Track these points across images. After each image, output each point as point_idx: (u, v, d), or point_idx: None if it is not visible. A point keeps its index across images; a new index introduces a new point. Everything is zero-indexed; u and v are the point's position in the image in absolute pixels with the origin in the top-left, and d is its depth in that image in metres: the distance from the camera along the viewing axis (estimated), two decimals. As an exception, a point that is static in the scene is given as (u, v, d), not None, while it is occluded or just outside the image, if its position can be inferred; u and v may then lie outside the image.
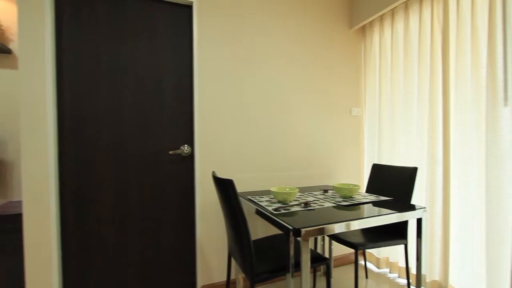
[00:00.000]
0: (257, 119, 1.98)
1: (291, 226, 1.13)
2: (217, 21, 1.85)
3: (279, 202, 1.52)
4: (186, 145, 1.78)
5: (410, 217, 1.38)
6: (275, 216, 1.26)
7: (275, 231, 2.05)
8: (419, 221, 1.44)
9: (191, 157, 1.81)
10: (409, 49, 1.94)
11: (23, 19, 1.46)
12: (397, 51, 2.04)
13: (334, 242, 2.27)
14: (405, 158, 2.00)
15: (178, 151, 1.73)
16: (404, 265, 1.99)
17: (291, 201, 1.51)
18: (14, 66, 2.21)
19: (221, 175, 1.87)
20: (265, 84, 2.01)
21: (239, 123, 1.92)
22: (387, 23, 2.12)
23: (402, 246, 1.97)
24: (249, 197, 1.67)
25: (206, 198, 1.82)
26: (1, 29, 2.15)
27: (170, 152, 1.71)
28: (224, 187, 1.26)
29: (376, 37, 2.24)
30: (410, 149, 1.96)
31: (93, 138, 1.60)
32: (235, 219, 1.28)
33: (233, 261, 1.89)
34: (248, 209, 1.66)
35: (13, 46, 2.20)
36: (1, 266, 1.83)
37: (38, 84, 1.48)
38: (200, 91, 1.80)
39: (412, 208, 1.41)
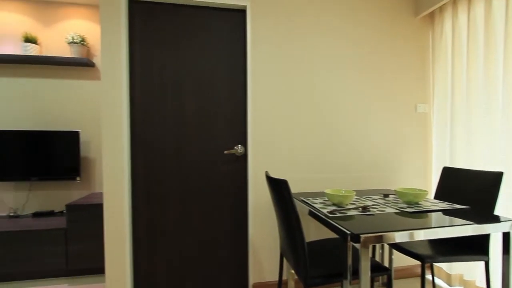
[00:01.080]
0: (311, 119, 1.93)
1: (348, 230, 1.07)
2: (270, 23, 1.86)
3: (334, 204, 1.46)
4: (240, 145, 1.83)
5: (492, 230, 1.18)
6: (330, 219, 1.21)
7: (328, 234, 1.97)
8: (506, 235, 1.22)
9: (244, 157, 1.86)
10: (492, 37, 1.66)
11: (105, 38, 1.69)
12: (476, 40, 1.76)
13: (395, 252, 2.08)
14: (485, 162, 1.72)
15: (233, 151, 1.80)
16: (484, 285, 1.72)
17: (347, 205, 1.44)
18: (96, 77, 2.58)
19: (273, 175, 1.88)
20: (319, 82, 1.95)
21: (292, 123, 1.90)
22: (462, 7, 1.86)
23: (482, 263, 1.70)
24: (302, 198, 1.64)
25: (258, 197, 1.85)
26: (87, 47, 2.53)
27: (225, 152, 1.79)
28: (278, 187, 1.26)
29: (447, 24, 1.98)
30: (493, 151, 1.68)
31: (159, 139, 1.77)
32: (289, 220, 1.27)
33: (285, 261, 1.89)
34: (300, 210, 1.64)
35: (96, 60, 2.57)
36: (87, 248, 2.15)
37: (116, 93, 1.70)
38: (253, 92, 1.83)
39: (496, 219, 1.20)
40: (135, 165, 1.76)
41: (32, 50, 2.37)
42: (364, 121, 2.03)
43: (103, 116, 1.70)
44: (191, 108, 1.80)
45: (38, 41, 2.45)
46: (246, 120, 1.86)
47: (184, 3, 1.77)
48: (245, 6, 1.81)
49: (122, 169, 1.71)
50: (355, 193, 1.45)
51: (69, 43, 2.38)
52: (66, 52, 2.50)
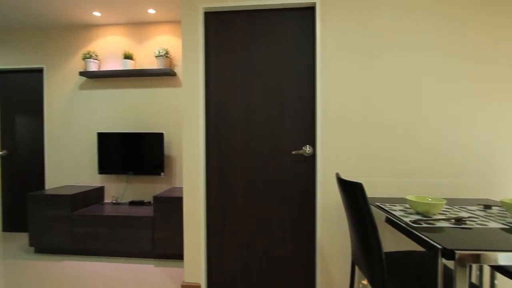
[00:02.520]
0: (388, 117, 1.76)
1: (439, 244, 0.93)
2: (340, 19, 1.77)
3: (417, 213, 1.29)
4: (308, 145, 1.80)
5: None
6: (414, 230, 1.08)
7: (409, 246, 1.76)
8: None
9: (313, 157, 1.81)
10: None
11: (186, 49, 1.88)
12: None
13: (499, 276, 1.72)
14: None
15: (300, 152, 1.78)
16: None
17: (434, 214, 1.25)
18: (177, 84, 2.90)
19: (344, 177, 1.78)
20: (396, 78, 1.75)
21: (365, 122, 1.76)
22: None
23: None
24: (377, 203, 1.50)
25: (327, 199, 1.78)
26: (170, 58, 2.86)
27: (293, 152, 1.78)
28: (352, 191, 1.18)
29: None
30: None
31: (229, 140, 1.88)
32: (363, 227, 1.17)
33: (356, 270, 1.76)
34: (375, 216, 1.50)
35: (176, 69, 2.89)
36: (169, 235, 2.43)
37: (194, 98, 1.88)
38: (322, 91, 1.77)
39: None
40: (209, 164, 1.91)
41: (129, 65, 2.82)
42: (456, 119, 1.73)
43: (184, 119, 1.90)
44: (259, 109, 1.85)
45: (134, 57, 2.91)
46: (314, 120, 1.82)
47: (253, 8, 1.83)
48: (314, 3, 1.77)
49: (199, 167, 1.88)
50: (445, 201, 1.25)
51: (156, 56, 2.75)
52: (153, 64, 2.89)
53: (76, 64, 3.03)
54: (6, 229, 3.26)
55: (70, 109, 3.05)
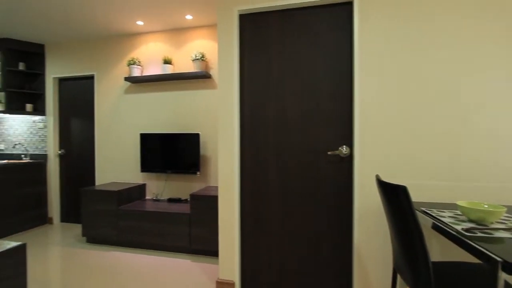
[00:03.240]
0: (434, 114, 1.62)
1: (499, 257, 0.83)
2: (380, 13, 1.67)
3: (470, 221, 1.17)
4: (344, 146, 1.73)
5: None
6: (468, 239, 0.98)
7: (457, 256, 1.60)
8: None
9: (349, 158, 1.74)
10: None
11: (222, 51, 1.93)
12: None
13: None
14: None
15: (337, 152, 1.72)
16: None
17: (492, 223, 1.12)
18: (212, 87, 2.99)
19: (385, 179, 1.68)
20: (447, 72, 1.61)
21: (408, 120, 1.65)
22: None
23: None
24: (423, 208, 1.39)
25: (366, 202, 1.70)
26: (206, 61, 2.96)
27: (329, 153, 1.72)
28: (394, 194, 1.11)
29: None
30: None
31: (263, 140, 1.89)
32: (407, 233, 1.10)
33: (398, 278, 1.65)
34: (421, 222, 1.39)
35: (211, 72, 2.98)
36: (204, 232, 2.51)
37: (229, 99, 1.92)
38: (361, 88, 1.70)
39: None
40: (243, 163, 1.93)
41: (168, 69, 2.98)
42: (517, 116, 1.54)
43: (219, 120, 1.95)
44: (293, 108, 1.83)
45: (172, 62, 3.07)
46: (352, 119, 1.74)
47: (287, 8, 1.82)
48: (352, -2, 1.70)
49: (233, 167, 1.91)
50: (505, 209, 1.11)
51: (193, 60, 2.87)
52: (190, 67, 3.02)
53: (122, 70, 3.28)
54: (63, 220, 3.65)
55: (116, 112, 3.31)
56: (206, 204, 2.49)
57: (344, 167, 1.75)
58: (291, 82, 1.84)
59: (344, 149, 1.72)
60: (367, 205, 1.70)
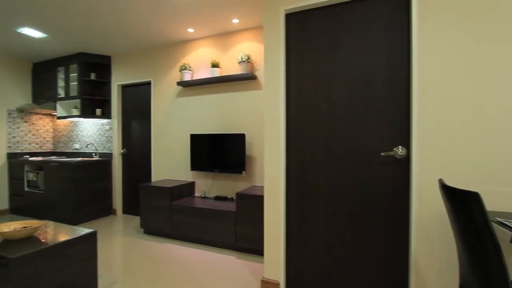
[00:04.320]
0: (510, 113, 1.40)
1: None
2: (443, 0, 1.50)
3: None
4: (400, 146, 1.60)
5: None
6: None
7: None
8: None
9: (406, 159, 1.60)
10: None
11: (268, 53, 1.95)
12: None
13: None
14: None
15: (391, 153, 1.59)
16: None
17: None
18: (257, 88, 3.03)
19: (450, 183, 1.50)
20: (529, 60, 1.37)
21: (478, 119, 1.44)
22: None
23: None
24: (498, 219, 1.21)
25: (425, 208, 1.54)
26: (251, 63, 3.01)
27: (382, 154, 1.60)
28: (463, 201, 0.98)
29: None
30: None
31: (310, 140, 1.84)
32: (479, 246, 0.96)
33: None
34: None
35: (257, 73, 3.02)
36: (249, 231, 2.55)
37: (275, 99, 1.92)
38: (419, 84, 1.54)
39: None
40: (289, 164, 1.92)
41: (216, 72, 3.11)
42: None
43: (265, 120, 1.97)
44: (343, 107, 1.75)
45: (220, 65, 3.19)
46: (409, 118, 1.60)
47: (335, 2, 1.75)
48: (409, -15, 1.56)
49: (279, 168, 1.91)
50: None
51: (239, 62, 2.95)
52: (236, 70, 3.11)
53: (175, 75, 3.54)
54: (125, 211, 4.07)
55: (169, 114, 3.58)
56: (252, 203, 2.53)
57: (400, 170, 1.61)
58: (340, 80, 1.76)
59: (400, 150, 1.58)
60: (427, 212, 1.54)
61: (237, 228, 2.61)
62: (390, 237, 1.64)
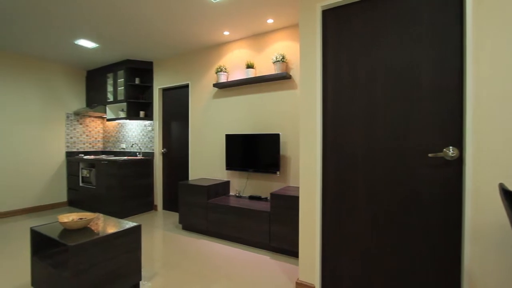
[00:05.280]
0: None
1: None
2: (506, -22, 1.34)
3: None
4: (451, 147, 1.46)
5: None
6: None
7: None
8: None
9: (458, 161, 1.45)
10: None
11: (304, 51, 1.92)
12: None
13: None
14: None
15: (440, 154, 1.46)
16: None
17: None
18: (292, 87, 3.00)
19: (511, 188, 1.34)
20: None
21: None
22: None
23: None
24: None
25: (482, 216, 1.38)
26: (286, 62, 2.99)
27: (430, 155, 1.48)
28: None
29: None
30: None
31: (347, 140, 1.77)
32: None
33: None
34: None
35: (292, 72, 2.99)
36: (284, 231, 2.53)
37: (311, 99, 1.88)
38: (475, 79, 1.39)
39: None
40: (326, 165, 1.86)
41: (251, 73, 3.15)
42: None
43: (300, 120, 1.94)
44: (384, 106, 1.65)
45: (254, 66, 3.22)
46: (462, 115, 1.45)
47: (378, -5, 1.66)
48: (462, -30, 1.42)
49: (315, 168, 1.86)
50: None
51: (274, 62, 2.94)
52: (271, 69, 3.11)
53: (211, 77, 3.66)
54: (165, 208, 4.30)
55: (206, 115, 3.70)
56: (286, 204, 2.51)
57: (450, 173, 1.47)
58: (382, 76, 1.66)
59: (451, 151, 1.44)
60: (484, 221, 1.38)
61: (271, 228, 2.61)
62: (440, 245, 1.50)
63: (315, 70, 1.86)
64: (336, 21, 1.81)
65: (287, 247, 2.51)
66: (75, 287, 1.57)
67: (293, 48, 2.97)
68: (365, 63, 1.71)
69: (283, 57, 2.90)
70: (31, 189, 4.14)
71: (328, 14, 1.84)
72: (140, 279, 1.97)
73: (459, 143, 1.45)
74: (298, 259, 2.50)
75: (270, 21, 2.86)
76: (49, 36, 3.28)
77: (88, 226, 1.91)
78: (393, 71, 1.62)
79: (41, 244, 1.92)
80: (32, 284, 1.88)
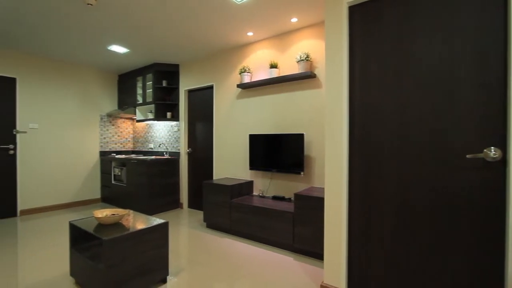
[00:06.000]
0: None
1: None
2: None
3: None
4: (493, 147, 1.34)
5: None
6: None
7: None
8: None
9: (501, 163, 1.34)
10: None
11: (329, 49, 1.88)
12: None
13: None
14: None
15: (480, 155, 1.35)
16: None
17: None
18: (316, 86, 2.95)
19: None
20: None
21: None
22: None
23: None
24: None
25: (529, 224, 1.26)
26: (310, 61, 2.95)
27: (468, 156, 1.38)
28: None
29: None
30: None
31: (376, 140, 1.70)
32: None
33: None
34: None
35: (316, 71, 2.94)
36: (308, 233, 2.49)
37: (337, 98, 1.84)
38: (521, 72, 1.28)
39: None
40: (353, 166, 1.80)
41: (274, 73, 3.14)
42: None
43: (326, 120, 1.90)
44: (416, 104, 1.56)
45: (278, 65, 3.21)
46: (505, 114, 1.33)
47: (409, -13, 1.58)
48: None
49: (341, 171, 1.81)
50: None
51: (298, 61, 2.91)
52: (295, 69, 3.08)
53: (235, 78, 3.70)
54: (190, 206, 4.42)
55: (230, 115, 3.75)
56: (310, 205, 2.47)
57: (492, 175, 1.36)
58: (413, 74, 1.58)
59: (493, 151, 1.33)
60: (531, 228, 1.26)
61: (295, 229, 2.58)
62: (479, 253, 1.39)
63: (341, 68, 1.81)
64: (363, 17, 1.75)
65: (311, 248, 2.47)
66: (109, 279, 1.66)
67: (318, 46, 2.92)
68: (396, 60, 1.64)
69: (307, 56, 2.86)
70: (70, 186, 4.47)
71: (355, 10, 1.78)
72: (167, 274, 2.04)
73: (502, 143, 1.33)
74: (322, 261, 2.45)
75: (294, 20, 2.83)
76: (85, 42, 3.52)
77: (120, 221, 2.01)
78: (428, 67, 1.53)
79: (78, 237, 2.06)
80: (71, 274, 2.02)
